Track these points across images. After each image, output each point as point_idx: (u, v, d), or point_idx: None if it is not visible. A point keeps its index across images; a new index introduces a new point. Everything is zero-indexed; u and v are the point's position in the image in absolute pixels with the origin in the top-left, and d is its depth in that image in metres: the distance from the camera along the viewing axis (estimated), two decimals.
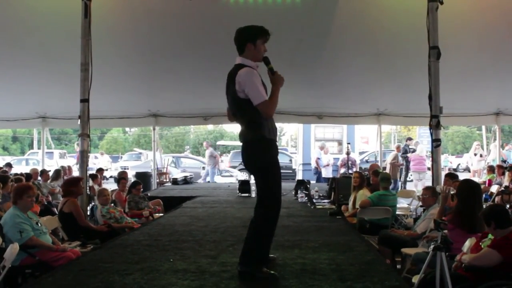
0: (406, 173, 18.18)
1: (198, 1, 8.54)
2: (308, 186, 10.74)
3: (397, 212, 9.22)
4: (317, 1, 8.70)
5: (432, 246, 4.35)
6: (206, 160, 21.03)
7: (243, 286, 4.02)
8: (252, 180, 15.91)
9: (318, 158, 18.44)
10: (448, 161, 34.11)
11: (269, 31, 4.39)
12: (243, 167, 23.95)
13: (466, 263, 4.46)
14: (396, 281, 4.11)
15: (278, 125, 4.62)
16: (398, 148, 17.30)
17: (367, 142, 34.09)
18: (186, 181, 16.16)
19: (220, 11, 8.83)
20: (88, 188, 8.47)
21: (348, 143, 15.95)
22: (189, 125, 38.02)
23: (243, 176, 20.44)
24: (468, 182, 6.28)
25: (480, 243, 4.71)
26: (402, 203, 11.05)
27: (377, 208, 7.66)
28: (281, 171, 4.47)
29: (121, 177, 10.70)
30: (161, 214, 9.16)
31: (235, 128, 48.35)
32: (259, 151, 4.31)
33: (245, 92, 4.22)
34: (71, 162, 22.39)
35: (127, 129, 50.63)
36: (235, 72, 4.31)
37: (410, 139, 19.87)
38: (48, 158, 21.12)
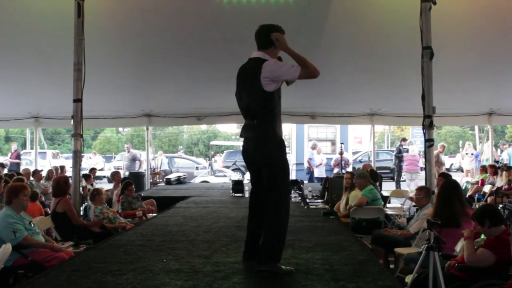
0: (399, 173, 18.24)
1: (192, 1, 8.53)
2: (302, 186, 10.75)
3: (390, 212, 9.28)
4: (310, 1, 8.71)
5: (425, 246, 4.36)
6: (124, 164, 18.29)
7: (237, 286, 4.02)
8: (246, 180, 15.89)
9: (310, 159, 18.46)
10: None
11: None
12: (236, 167, 23.99)
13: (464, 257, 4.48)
14: (389, 281, 4.11)
15: None
16: (442, 147, 17.06)
17: (361, 142, 34.12)
18: (179, 181, 16.14)
19: (214, 11, 8.82)
20: (81, 188, 8.45)
21: (342, 143, 15.97)
22: (183, 125, 38.02)
23: (237, 176, 20.44)
24: (446, 180, 6.48)
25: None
26: (395, 203, 11.09)
27: (370, 207, 7.70)
28: None
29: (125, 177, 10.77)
30: (155, 214, 9.14)
31: (228, 128, 48.42)
32: (275, 147, 4.41)
33: (283, 75, 4.35)
34: (64, 162, 22.31)
35: (120, 129, 50.50)
36: (258, 65, 4.33)
37: (404, 139, 19.90)
38: (41, 158, 21.01)
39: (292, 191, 10.53)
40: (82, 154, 8.28)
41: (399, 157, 18.01)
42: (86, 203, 9.34)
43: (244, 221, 7.19)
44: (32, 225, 5.65)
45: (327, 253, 5.16)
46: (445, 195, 5.80)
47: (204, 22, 9.14)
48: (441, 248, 4.45)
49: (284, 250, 5.01)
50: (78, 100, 7.94)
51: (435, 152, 16.42)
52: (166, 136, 50.10)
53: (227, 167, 24.70)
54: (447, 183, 6.15)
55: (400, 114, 14.04)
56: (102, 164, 28.65)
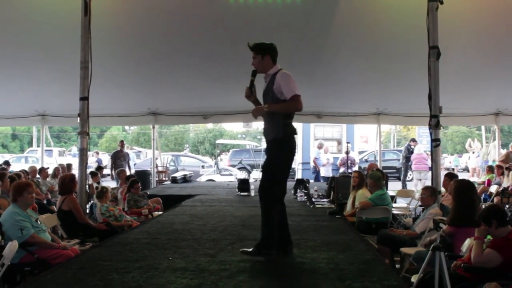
0: (406, 173, 18.19)
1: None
2: (308, 185, 10.73)
3: (396, 212, 9.24)
4: (317, 1, 8.69)
5: (431, 246, 4.35)
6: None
7: (242, 284, 4.02)
8: (252, 179, 15.91)
9: (316, 158, 18.40)
10: (458, 161, 33.94)
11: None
12: (242, 166, 24.05)
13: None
14: (395, 281, 4.11)
15: None
16: None
17: (367, 142, 34.08)
18: (185, 179, 16.15)
19: (220, 10, 8.81)
20: (87, 186, 8.46)
21: (348, 143, 15.94)
22: (189, 123, 38.03)
23: (243, 175, 20.45)
24: (461, 181, 6.41)
25: None
26: (401, 202, 11.06)
27: (376, 207, 7.67)
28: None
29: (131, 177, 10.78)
30: (160, 213, 9.15)
31: (235, 127, 48.42)
32: None
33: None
34: (70, 160, 22.34)
35: (126, 127, 50.61)
36: None
37: (414, 140, 19.77)
38: (47, 156, 21.09)
39: (298, 190, 10.53)
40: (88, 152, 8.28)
41: (407, 157, 17.93)
42: (92, 201, 9.36)
43: (249, 220, 7.27)
44: (39, 223, 5.67)
45: (333, 253, 5.15)
46: (465, 195, 5.72)
47: (211, 21, 9.13)
48: (451, 248, 4.43)
49: None
50: (84, 98, 7.95)
51: (506, 151, 16.14)
52: (172, 134, 50.21)
53: (233, 165, 24.69)
54: (463, 184, 6.04)
55: (407, 113, 14.00)
56: (107, 162, 28.66)
